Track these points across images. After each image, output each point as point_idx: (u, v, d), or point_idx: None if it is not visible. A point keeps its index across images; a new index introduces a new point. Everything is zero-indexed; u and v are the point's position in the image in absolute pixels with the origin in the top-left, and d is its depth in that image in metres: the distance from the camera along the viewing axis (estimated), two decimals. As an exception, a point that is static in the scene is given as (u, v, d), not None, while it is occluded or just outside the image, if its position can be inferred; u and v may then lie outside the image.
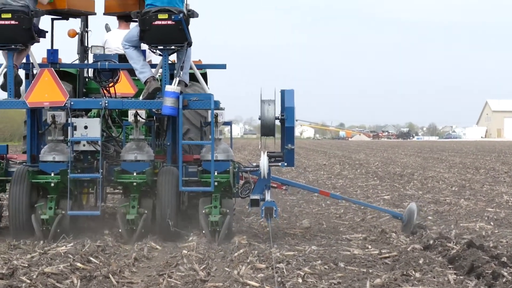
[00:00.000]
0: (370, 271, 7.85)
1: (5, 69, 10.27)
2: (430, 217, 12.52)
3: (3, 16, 9.79)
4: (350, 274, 7.69)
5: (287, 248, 9.18)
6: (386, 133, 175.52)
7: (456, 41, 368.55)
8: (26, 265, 7.79)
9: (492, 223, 11.73)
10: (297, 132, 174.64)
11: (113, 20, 12.58)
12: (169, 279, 7.44)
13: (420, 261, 8.24)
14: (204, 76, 11.79)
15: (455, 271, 7.83)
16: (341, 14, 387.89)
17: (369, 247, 9.44)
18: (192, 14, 10.16)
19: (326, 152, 51.77)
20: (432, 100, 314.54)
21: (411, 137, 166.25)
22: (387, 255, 8.75)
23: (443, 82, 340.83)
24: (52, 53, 10.95)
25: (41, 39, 10.45)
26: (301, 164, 32.68)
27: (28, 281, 7.02)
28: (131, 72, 11.09)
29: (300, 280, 7.31)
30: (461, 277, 7.56)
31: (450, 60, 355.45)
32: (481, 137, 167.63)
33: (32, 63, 10.63)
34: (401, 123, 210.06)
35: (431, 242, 9.53)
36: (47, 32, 10.72)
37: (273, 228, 10.99)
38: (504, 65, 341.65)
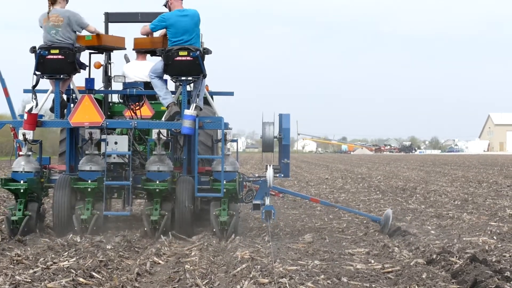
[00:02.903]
0: (373, 286, 7.84)
1: (52, 95, 12.15)
2: (432, 231, 12.50)
3: (52, 51, 11.82)
4: (353, 289, 7.67)
5: (290, 262, 9.16)
6: (388, 146, 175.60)
7: (458, 55, 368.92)
8: (29, 280, 7.78)
9: (495, 237, 11.70)
10: (299, 146, 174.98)
11: (130, 51, 14.10)
12: (171, 294, 7.43)
13: (423, 276, 8.22)
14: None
15: (458, 286, 7.81)
16: (344, 29, 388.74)
17: (372, 261, 9.42)
18: (207, 51, 12.16)
19: (328, 166, 51.80)
20: (435, 113, 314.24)
21: (413, 151, 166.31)
22: (390, 269, 8.73)
23: (445, 96, 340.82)
24: (89, 82, 12.86)
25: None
26: (304, 178, 32.70)
27: (31, 297, 7.02)
28: (149, 97, 13.30)
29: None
30: (464, 291, 7.53)
31: (452, 74, 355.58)
32: (484, 150, 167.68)
33: (72, 89, 12.55)
34: (403, 136, 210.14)
35: (434, 256, 9.52)
36: (87, 66, 12.92)
37: (276, 243, 11.02)
38: (506, 79, 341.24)
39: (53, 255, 9.49)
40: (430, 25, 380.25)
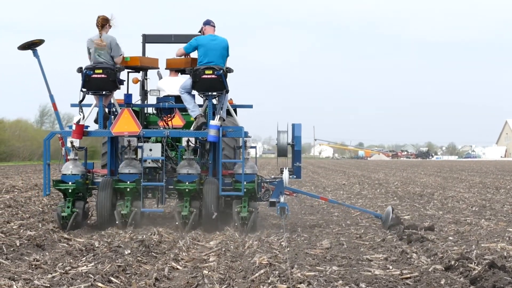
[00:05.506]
0: (392, 292, 7.81)
1: (96, 108, 14.07)
2: (450, 237, 12.45)
3: (96, 71, 13.67)
4: (371, 295, 7.64)
5: (307, 268, 9.14)
6: (405, 152, 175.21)
7: (475, 60, 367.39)
8: (48, 285, 7.80)
9: (513, 244, 11.64)
10: (316, 152, 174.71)
11: (162, 69, 16.22)
12: (190, 300, 7.43)
13: (442, 282, 8.19)
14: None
15: (477, 292, 7.77)
16: (361, 34, 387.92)
17: (390, 267, 9.39)
18: (229, 70, 14.00)
19: (345, 171, 51.73)
20: (452, 119, 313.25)
21: (430, 157, 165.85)
22: (408, 275, 8.70)
23: (462, 102, 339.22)
24: (128, 97, 14.84)
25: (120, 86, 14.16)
26: (321, 183, 32.67)
27: (50, 301, 7.03)
28: (180, 109, 15.18)
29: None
30: (483, 298, 7.49)
31: (469, 79, 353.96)
32: (501, 156, 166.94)
33: (113, 103, 14.41)
34: (420, 142, 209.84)
35: (453, 262, 9.48)
36: (124, 81, 14.60)
37: (294, 248, 11.01)
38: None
39: (71, 260, 9.53)
40: (445, 30, 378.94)
